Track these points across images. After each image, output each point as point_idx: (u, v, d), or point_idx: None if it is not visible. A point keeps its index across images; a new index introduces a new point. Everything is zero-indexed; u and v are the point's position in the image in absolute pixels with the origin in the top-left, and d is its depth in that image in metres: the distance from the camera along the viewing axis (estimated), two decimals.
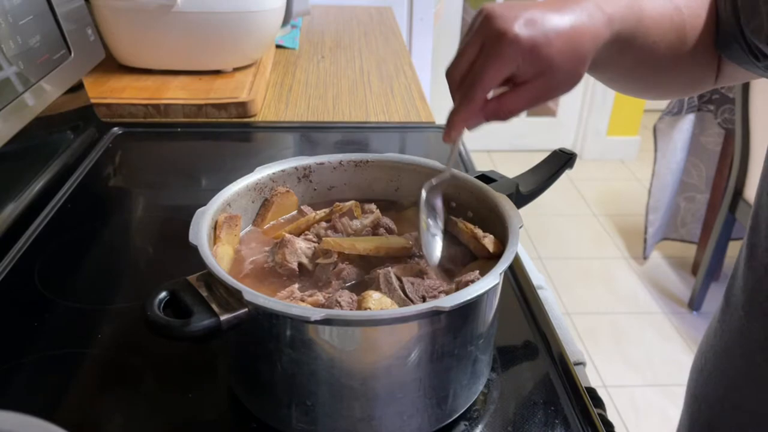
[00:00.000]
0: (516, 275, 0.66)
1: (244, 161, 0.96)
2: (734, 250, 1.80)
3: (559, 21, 0.46)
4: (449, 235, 0.57)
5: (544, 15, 0.45)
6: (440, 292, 0.48)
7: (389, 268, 0.49)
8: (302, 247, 0.52)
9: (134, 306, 0.60)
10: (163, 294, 0.43)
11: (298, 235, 0.55)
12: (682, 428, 0.74)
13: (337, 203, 0.57)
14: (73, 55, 0.86)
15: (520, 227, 0.50)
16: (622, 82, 0.61)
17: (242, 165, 0.70)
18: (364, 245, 0.52)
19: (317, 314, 0.39)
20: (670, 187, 2.23)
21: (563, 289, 2.27)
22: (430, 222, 0.52)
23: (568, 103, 3.23)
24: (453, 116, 0.48)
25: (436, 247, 0.52)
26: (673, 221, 2.33)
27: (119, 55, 1.15)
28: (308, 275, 0.52)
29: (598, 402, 0.64)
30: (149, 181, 0.89)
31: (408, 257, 0.53)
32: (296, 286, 0.49)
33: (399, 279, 0.48)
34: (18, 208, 0.73)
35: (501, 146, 3.30)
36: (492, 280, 0.43)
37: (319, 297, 0.47)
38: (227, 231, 0.52)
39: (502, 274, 0.44)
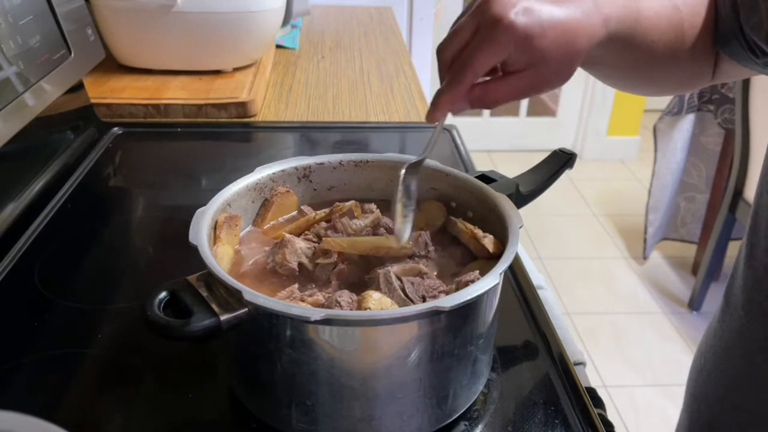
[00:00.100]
0: (516, 275, 0.66)
1: (244, 161, 0.96)
2: (734, 250, 1.80)
3: (556, 13, 0.46)
4: (449, 235, 0.57)
5: (542, 6, 0.45)
6: (440, 292, 0.48)
7: (389, 268, 0.49)
8: (302, 247, 0.52)
9: (134, 306, 0.60)
10: (163, 294, 0.43)
11: (298, 235, 0.55)
12: (681, 428, 0.74)
13: (337, 203, 0.57)
14: (73, 55, 0.86)
15: (520, 227, 0.50)
16: (619, 78, 0.61)
17: (242, 165, 0.70)
18: (364, 245, 0.52)
19: (317, 314, 0.39)
20: (670, 187, 2.23)
21: (563, 289, 2.27)
22: (405, 201, 0.52)
23: (568, 103, 3.23)
24: (439, 96, 0.48)
25: (406, 228, 0.52)
26: (673, 221, 2.33)
27: (119, 55, 1.15)
28: (308, 275, 0.52)
29: (598, 402, 0.64)
30: (149, 181, 0.89)
31: (408, 257, 0.53)
32: (296, 286, 0.49)
33: (399, 279, 0.48)
34: (18, 208, 0.73)
35: (501, 146, 3.30)
36: (492, 280, 0.43)
37: (319, 297, 0.47)
38: (227, 231, 0.52)
39: (502, 274, 0.44)
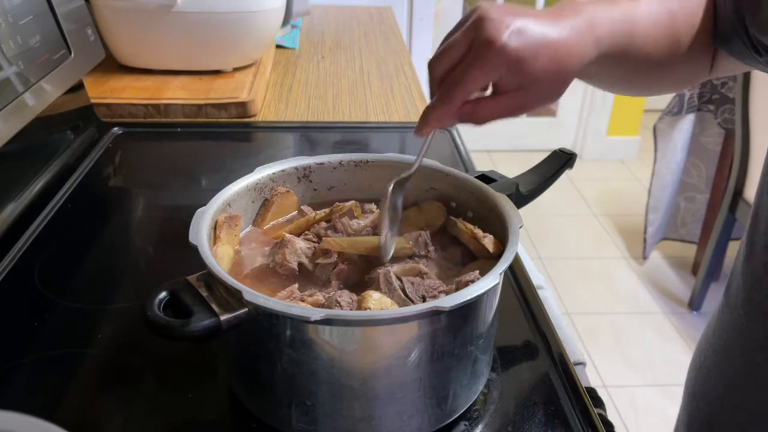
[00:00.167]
0: (516, 275, 0.66)
1: (244, 161, 0.96)
2: (734, 250, 1.79)
3: (549, 34, 0.46)
4: (449, 235, 0.57)
5: (535, 25, 0.45)
6: (440, 292, 0.48)
7: (389, 268, 0.49)
8: (302, 247, 0.52)
9: (134, 306, 0.60)
10: (163, 294, 0.43)
11: (298, 235, 0.55)
12: (680, 426, 0.74)
13: (337, 203, 0.57)
14: (73, 55, 0.86)
15: (520, 227, 0.50)
16: (615, 86, 0.62)
17: (242, 165, 0.70)
18: (364, 245, 0.52)
19: (317, 314, 0.39)
20: (670, 187, 2.23)
21: (563, 289, 2.27)
22: (392, 215, 0.52)
23: (568, 103, 3.23)
24: (429, 113, 0.48)
25: (391, 245, 0.52)
26: (673, 221, 2.33)
27: (119, 55, 1.15)
28: (308, 275, 0.52)
29: (598, 402, 0.64)
30: (149, 181, 0.89)
31: (408, 257, 0.53)
32: (296, 286, 0.49)
33: (399, 279, 0.48)
34: (18, 208, 0.73)
35: (501, 146, 3.30)
36: (492, 280, 0.43)
37: (319, 297, 0.47)
38: (227, 231, 0.52)
39: (502, 274, 0.44)
